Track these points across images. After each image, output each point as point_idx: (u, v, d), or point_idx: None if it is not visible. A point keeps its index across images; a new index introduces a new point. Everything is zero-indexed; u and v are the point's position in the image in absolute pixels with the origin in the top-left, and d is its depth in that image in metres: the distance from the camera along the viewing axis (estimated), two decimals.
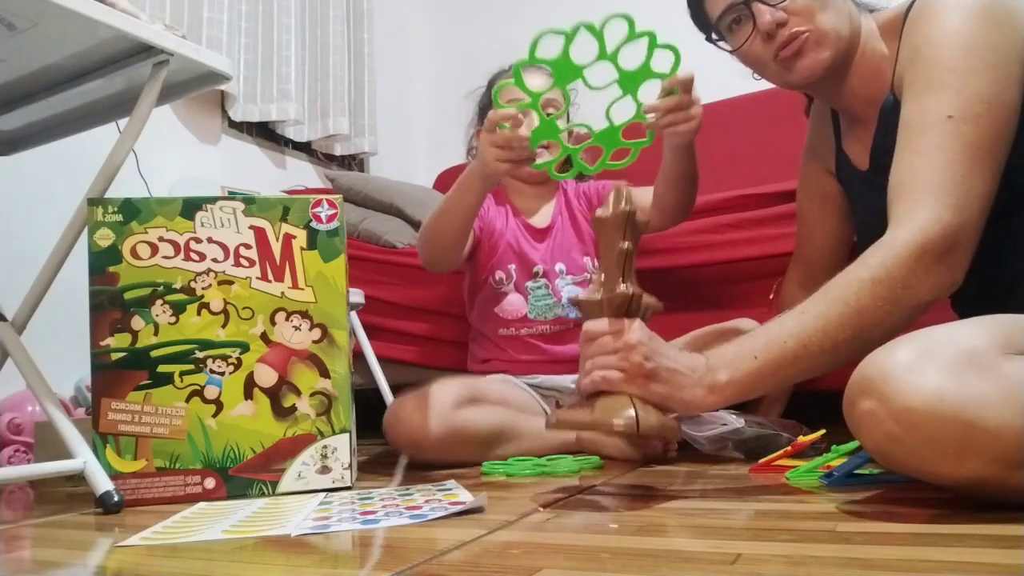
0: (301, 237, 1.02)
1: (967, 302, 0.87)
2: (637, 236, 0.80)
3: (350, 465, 1.00)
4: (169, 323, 0.98)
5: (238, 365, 0.99)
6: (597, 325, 0.77)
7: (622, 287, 0.77)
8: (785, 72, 0.93)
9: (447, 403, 1.13)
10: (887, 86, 0.91)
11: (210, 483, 0.97)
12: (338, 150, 2.51)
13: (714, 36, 0.98)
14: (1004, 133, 0.77)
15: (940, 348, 0.61)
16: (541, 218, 1.41)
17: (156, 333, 0.98)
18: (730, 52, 0.97)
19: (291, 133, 2.32)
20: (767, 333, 0.76)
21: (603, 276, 0.79)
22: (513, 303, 1.35)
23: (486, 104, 1.40)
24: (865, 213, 1.02)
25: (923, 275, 0.72)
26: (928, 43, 0.81)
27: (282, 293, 1.01)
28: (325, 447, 0.99)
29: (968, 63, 0.77)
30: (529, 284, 1.35)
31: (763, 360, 0.74)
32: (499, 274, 1.36)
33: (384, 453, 1.45)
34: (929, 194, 0.74)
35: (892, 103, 0.88)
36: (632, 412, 0.73)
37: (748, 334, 0.79)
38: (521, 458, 1.13)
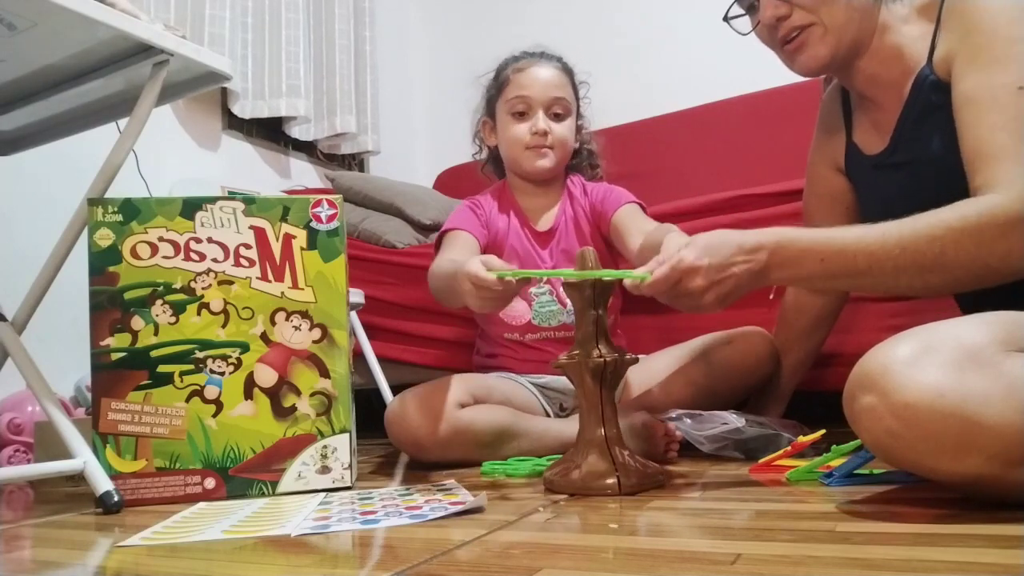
0: (301, 237, 1.02)
1: (970, 298, 0.87)
2: (607, 297, 0.90)
3: (350, 465, 1.00)
4: (169, 323, 0.98)
5: (238, 365, 0.99)
6: (656, 286, 0.81)
7: (596, 353, 0.86)
8: (788, 62, 0.96)
9: (450, 402, 1.13)
10: (914, 66, 0.91)
11: (210, 483, 0.97)
12: (343, 149, 2.50)
13: (730, 15, 0.99)
14: None
15: (941, 344, 0.61)
16: (545, 220, 1.39)
17: (156, 333, 0.98)
18: (743, 34, 0.99)
19: (297, 132, 2.31)
20: (842, 241, 0.79)
21: (581, 339, 0.88)
22: (517, 309, 1.33)
23: (493, 94, 1.38)
24: (873, 201, 1.02)
25: (1015, 241, 0.73)
26: (984, 16, 0.82)
27: (282, 293, 1.01)
28: (325, 447, 0.99)
29: None
30: (533, 290, 1.33)
31: (827, 266, 0.79)
32: None
33: (384, 453, 1.44)
34: (1021, 165, 0.75)
35: (929, 78, 0.88)
36: (615, 478, 0.82)
37: (820, 232, 0.81)
38: (521, 458, 1.13)
